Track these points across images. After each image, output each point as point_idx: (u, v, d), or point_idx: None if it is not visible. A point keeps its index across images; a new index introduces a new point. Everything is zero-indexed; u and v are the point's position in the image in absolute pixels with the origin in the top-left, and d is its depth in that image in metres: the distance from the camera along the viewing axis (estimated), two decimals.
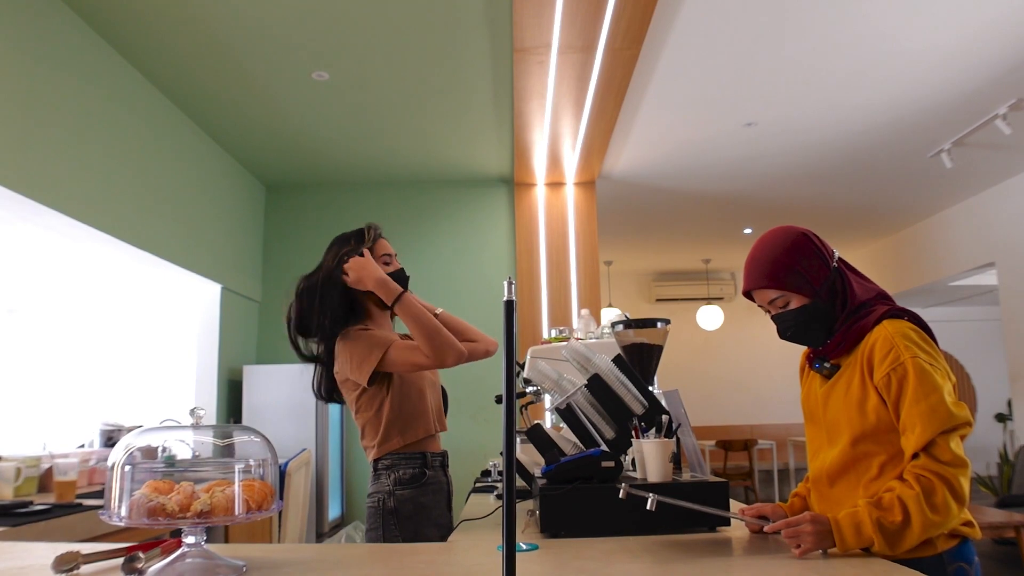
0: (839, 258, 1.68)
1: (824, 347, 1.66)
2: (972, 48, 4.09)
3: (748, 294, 1.72)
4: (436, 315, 2.17)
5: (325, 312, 2.09)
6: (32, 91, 3.27)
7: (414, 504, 1.98)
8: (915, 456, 1.46)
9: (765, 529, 1.51)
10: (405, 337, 2.14)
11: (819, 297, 1.62)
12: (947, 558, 1.48)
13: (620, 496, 1.46)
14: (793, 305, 1.64)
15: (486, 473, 3.19)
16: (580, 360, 2.04)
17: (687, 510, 1.73)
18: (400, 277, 2.17)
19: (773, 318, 1.70)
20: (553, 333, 3.48)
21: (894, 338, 1.51)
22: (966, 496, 1.43)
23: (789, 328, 1.67)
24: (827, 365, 1.65)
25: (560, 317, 5.83)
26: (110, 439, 3.93)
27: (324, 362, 2.18)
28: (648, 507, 1.46)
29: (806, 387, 1.76)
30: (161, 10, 3.57)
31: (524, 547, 1.59)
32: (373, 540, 1.96)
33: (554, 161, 5.55)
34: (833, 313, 1.63)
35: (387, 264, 2.19)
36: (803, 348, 1.78)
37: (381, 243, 2.23)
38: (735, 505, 1.94)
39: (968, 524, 1.51)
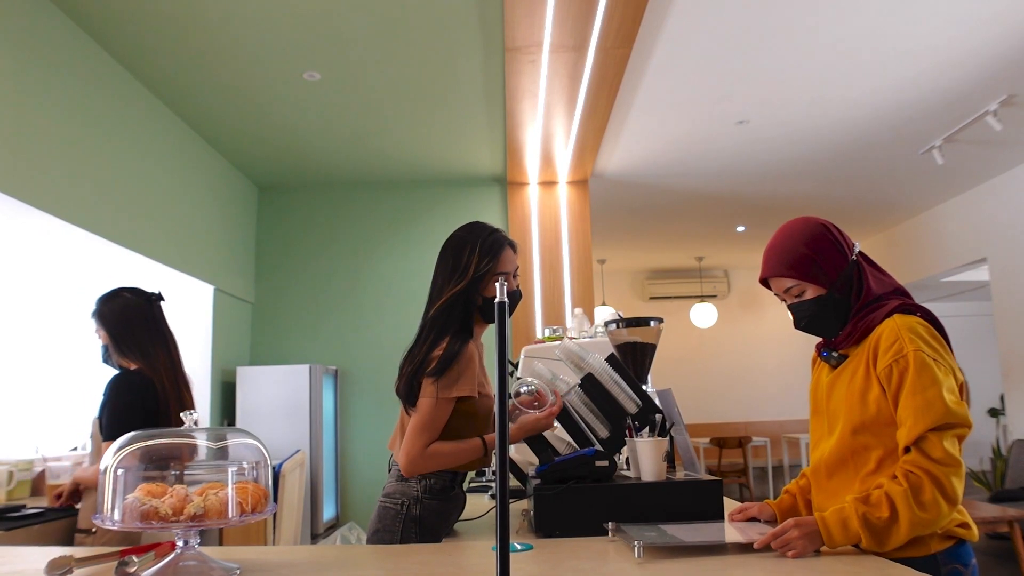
0: (859, 252, 1.68)
1: (835, 338, 1.66)
2: (963, 45, 4.10)
3: (765, 282, 1.72)
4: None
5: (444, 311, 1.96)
6: (24, 94, 3.25)
7: (439, 516, 1.93)
8: (907, 451, 1.46)
9: (755, 547, 1.47)
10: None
11: (835, 288, 1.63)
12: (941, 559, 1.47)
13: (636, 556, 1.43)
14: (808, 295, 1.65)
15: (480, 473, 3.20)
16: (574, 359, 2.04)
17: (680, 509, 1.73)
18: (515, 298, 2.02)
19: (789, 307, 1.70)
20: (547, 332, 3.48)
21: (900, 330, 1.51)
22: (957, 496, 1.42)
23: (804, 318, 1.67)
24: (835, 354, 1.65)
25: (553, 316, 5.83)
26: None
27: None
28: (636, 556, 1.42)
29: (815, 378, 1.76)
30: (152, 12, 3.56)
31: (519, 547, 1.60)
32: (384, 541, 1.89)
33: (546, 160, 5.55)
34: (848, 305, 1.63)
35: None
36: (807, 342, 1.77)
37: (507, 255, 2.02)
38: (729, 503, 1.94)
39: (964, 526, 1.50)
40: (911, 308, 1.58)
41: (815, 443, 1.71)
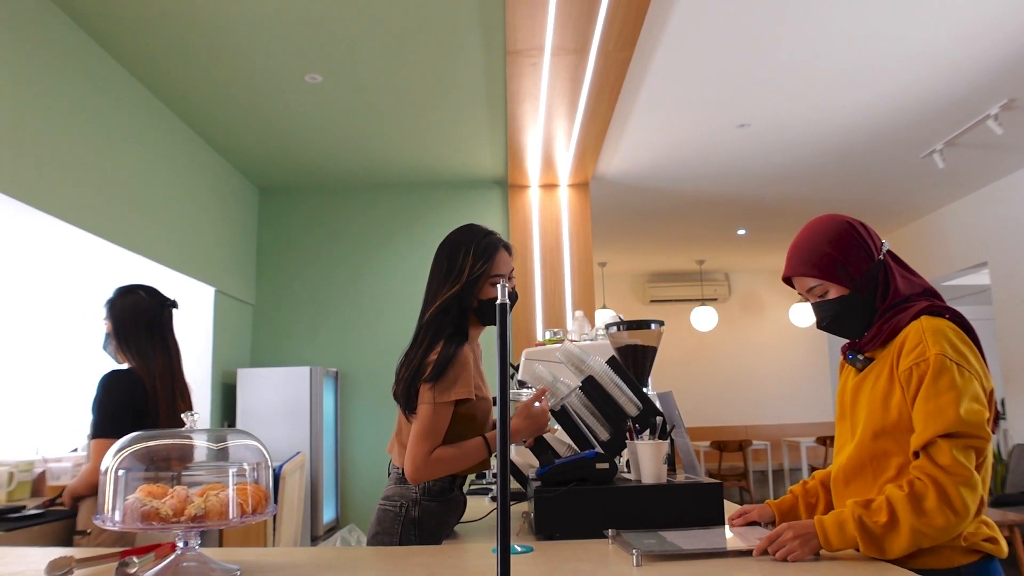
0: (888, 251, 1.63)
1: (860, 340, 1.62)
2: (964, 49, 4.10)
3: (789, 280, 1.69)
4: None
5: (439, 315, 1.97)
6: (25, 95, 3.26)
7: (437, 519, 1.93)
8: (916, 456, 1.42)
9: (753, 555, 1.45)
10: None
11: (858, 289, 1.58)
12: (965, 574, 1.43)
13: (635, 565, 1.41)
14: (832, 295, 1.61)
15: (481, 476, 3.19)
16: (574, 362, 2.04)
17: (680, 512, 1.73)
18: (510, 300, 1.96)
19: (812, 306, 1.67)
20: (547, 335, 3.48)
21: (925, 333, 1.46)
22: (966, 508, 1.35)
23: (826, 318, 1.64)
24: (860, 357, 1.61)
25: (554, 319, 5.83)
26: None
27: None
28: (634, 564, 1.41)
29: (842, 381, 1.71)
30: (155, 13, 3.57)
31: (519, 549, 1.59)
32: (384, 544, 1.90)
33: (548, 163, 5.55)
34: (872, 306, 1.59)
35: (495, 286, 1.96)
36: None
37: (502, 258, 2.02)
38: (729, 507, 1.94)
39: (991, 540, 1.45)
40: (939, 310, 1.53)
41: (839, 448, 1.66)
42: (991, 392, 1.47)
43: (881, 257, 1.61)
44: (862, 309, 1.60)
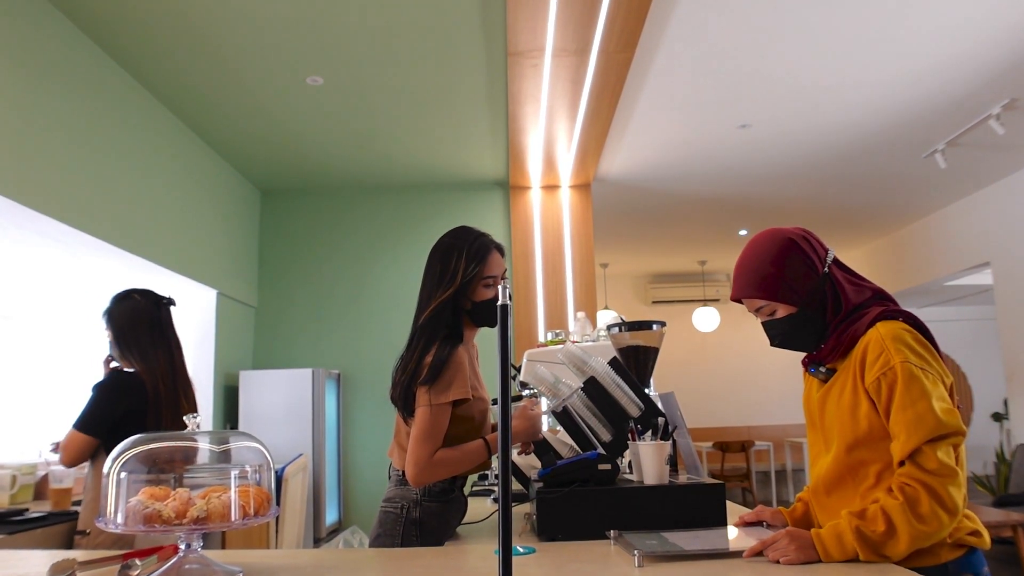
0: (834, 260, 1.64)
1: (819, 351, 1.63)
2: (965, 49, 4.10)
3: (739, 299, 1.70)
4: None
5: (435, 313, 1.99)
6: (27, 98, 3.26)
7: (439, 519, 1.94)
8: (901, 464, 1.43)
9: (743, 556, 1.44)
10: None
11: (806, 306, 1.59)
12: (952, 568, 1.44)
13: (637, 566, 1.42)
14: (779, 314, 1.62)
15: (483, 477, 3.19)
16: (576, 363, 2.05)
17: (683, 513, 1.73)
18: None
19: (763, 325, 1.69)
20: (549, 336, 3.48)
21: (885, 341, 1.47)
22: (956, 506, 1.38)
23: (777, 336, 1.66)
24: (823, 369, 1.62)
25: (556, 320, 5.83)
26: None
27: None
28: (636, 565, 1.41)
29: (806, 390, 1.72)
30: (156, 16, 3.57)
31: (521, 550, 1.59)
32: (386, 546, 1.91)
33: (549, 164, 5.56)
34: (823, 320, 1.60)
35: (488, 287, 2.00)
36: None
37: (494, 259, 2.03)
38: (732, 508, 1.94)
39: (975, 534, 1.47)
40: (893, 314, 1.54)
41: (814, 459, 1.68)
42: (951, 386, 1.49)
43: (826, 270, 1.61)
44: (812, 325, 1.61)
